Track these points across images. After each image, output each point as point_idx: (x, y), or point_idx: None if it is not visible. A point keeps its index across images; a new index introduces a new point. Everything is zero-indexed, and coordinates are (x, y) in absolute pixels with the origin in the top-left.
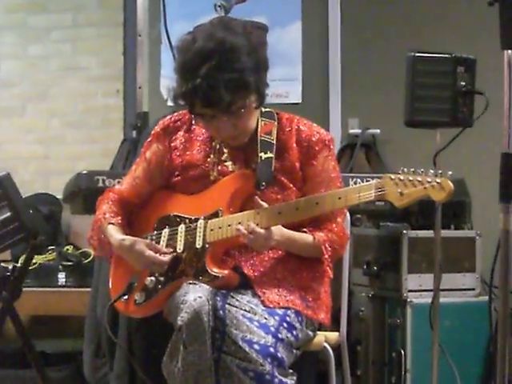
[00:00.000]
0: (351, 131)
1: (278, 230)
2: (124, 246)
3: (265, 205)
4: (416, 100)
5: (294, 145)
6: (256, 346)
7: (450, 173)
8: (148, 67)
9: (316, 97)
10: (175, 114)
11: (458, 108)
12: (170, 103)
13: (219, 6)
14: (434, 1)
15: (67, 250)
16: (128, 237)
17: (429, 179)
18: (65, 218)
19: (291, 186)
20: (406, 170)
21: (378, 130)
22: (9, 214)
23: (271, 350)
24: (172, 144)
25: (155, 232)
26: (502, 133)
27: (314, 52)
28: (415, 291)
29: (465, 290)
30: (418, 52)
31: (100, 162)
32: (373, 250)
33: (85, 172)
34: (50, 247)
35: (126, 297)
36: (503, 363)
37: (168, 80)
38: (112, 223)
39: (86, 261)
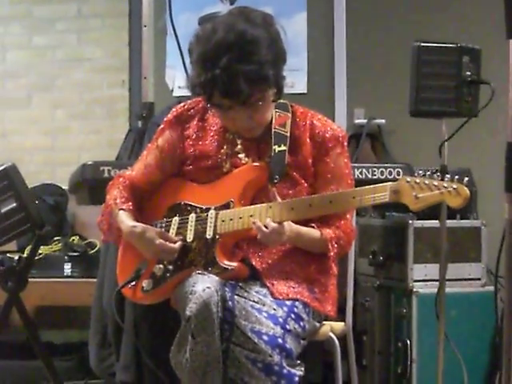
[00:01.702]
0: (357, 121)
1: (288, 226)
2: (135, 233)
3: (279, 199)
4: (421, 90)
5: (308, 140)
6: (265, 337)
7: (467, 179)
8: (153, 58)
9: (321, 87)
10: (188, 101)
11: (464, 98)
12: (175, 93)
13: None
14: None
15: (73, 240)
16: (139, 224)
17: (445, 184)
18: (70, 208)
19: (303, 181)
20: (421, 172)
21: (384, 120)
22: (15, 204)
23: (280, 340)
24: (185, 132)
25: (165, 219)
26: (507, 122)
27: (319, 42)
28: (421, 281)
29: (470, 279)
30: (424, 42)
31: (106, 152)
32: (378, 240)
33: (90, 163)
34: (55, 238)
35: (133, 283)
36: (509, 353)
37: (173, 70)
38: (123, 209)
39: (92, 251)
